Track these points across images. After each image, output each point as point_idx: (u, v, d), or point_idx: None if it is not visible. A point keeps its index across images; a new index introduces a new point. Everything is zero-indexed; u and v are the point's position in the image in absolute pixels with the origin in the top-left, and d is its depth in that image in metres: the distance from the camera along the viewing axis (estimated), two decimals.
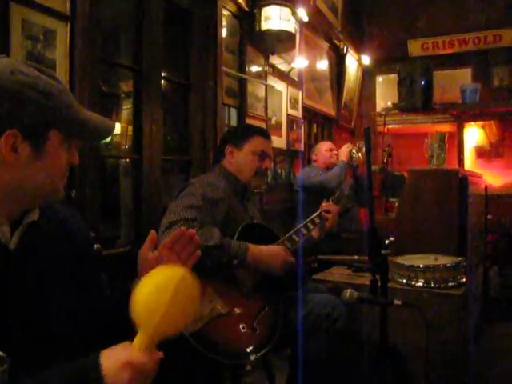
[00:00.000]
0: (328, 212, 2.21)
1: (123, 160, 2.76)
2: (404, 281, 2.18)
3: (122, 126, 2.98)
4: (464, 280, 2.17)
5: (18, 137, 0.88)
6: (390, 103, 5.75)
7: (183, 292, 0.85)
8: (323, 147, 3.92)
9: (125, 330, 0.87)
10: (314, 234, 2.22)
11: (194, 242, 1.09)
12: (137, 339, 0.84)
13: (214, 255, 1.76)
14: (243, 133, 2.22)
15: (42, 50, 1.80)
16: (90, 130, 1.01)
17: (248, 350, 1.73)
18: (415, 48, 5.75)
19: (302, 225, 2.14)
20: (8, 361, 0.47)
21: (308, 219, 2.19)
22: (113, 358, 0.83)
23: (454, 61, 5.66)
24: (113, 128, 1.07)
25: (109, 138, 2.81)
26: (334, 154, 3.88)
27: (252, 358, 1.73)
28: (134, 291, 0.86)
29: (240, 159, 2.15)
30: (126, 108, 2.93)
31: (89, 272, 1.12)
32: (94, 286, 1.14)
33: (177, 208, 1.84)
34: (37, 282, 0.96)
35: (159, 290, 0.84)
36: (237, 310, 1.80)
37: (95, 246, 1.96)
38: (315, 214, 2.21)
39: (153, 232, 1.11)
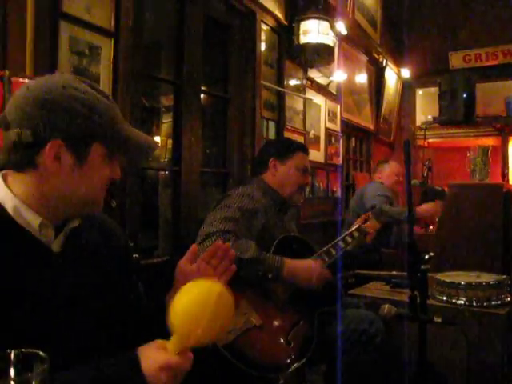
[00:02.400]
0: (367, 225, 2.18)
1: (163, 172, 2.81)
2: (444, 298, 2.11)
3: (161, 139, 3.05)
4: (509, 299, 2.09)
5: (62, 146, 0.92)
6: (430, 117, 5.65)
7: (222, 305, 0.88)
8: (392, 170, 3.84)
9: (156, 334, 0.92)
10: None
11: (230, 256, 1.10)
12: (173, 343, 0.87)
13: (250, 268, 1.76)
14: (288, 147, 2.23)
15: (87, 65, 1.87)
16: (132, 147, 1.04)
17: (281, 363, 1.72)
18: (457, 60, 5.65)
19: (340, 238, 2.12)
20: (48, 361, 0.49)
21: (347, 233, 2.16)
22: (151, 360, 0.88)
23: (498, 72, 5.52)
24: (155, 147, 1.11)
25: None
26: (399, 181, 3.82)
27: (285, 371, 1.71)
28: (173, 301, 0.89)
29: (283, 173, 2.16)
30: (166, 121, 3.00)
31: (126, 280, 1.15)
32: (131, 293, 1.16)
33: (214, 220, 1.85)
34: (76, 285, 0.99)
35: (201, 302, 0.87)
36: (271, 323, 1.79)
37: (134, 255, 2.00)
38: (354, 228, 2.18)
39: (194, 245, 1.13)
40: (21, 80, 1.47)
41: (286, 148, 2.23)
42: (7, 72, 1.49)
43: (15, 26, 1.58)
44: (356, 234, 2.16)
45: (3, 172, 0.97)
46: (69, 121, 0.92)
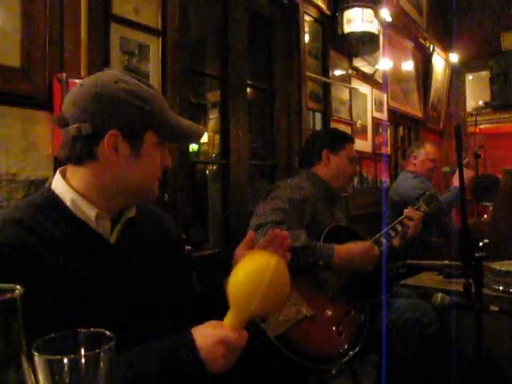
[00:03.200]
0: (410, 219, 2.13)
1: (211, 167, 2.87)
2: (500, 288, 2.05)
3: (209, 135, 3.10)
4: None
5: (118, 136, 0.98)
6: (481, 102, 5.45)
7: (278, 277, 0.88)
8: (427, 156, 3.50)
9: (209, 316, 0.95)
10: (395, 242, 2.15)
11: (285, 245, 1.11)
12: (229, 319, 0.89)
13: (301, 256, 1.77)
14: (340, 138, 2.22)
15: (137, 64, 1.94)
16: (182, 132, 1.09)
17: (333, 353, 1.72)
18: (509, 41, 5.39)
19: (390, 226, 2.10)
20: (114, 340, 0.52)
21: (396, 221, 2.13)
22: (207, 336, 0.89)
23: None
24: (202, 131, 1.15)
25: (197, 146, 2.94)
26: (435, 167, 3.55)
27: (337, 362, 1.72)
28: (231, 273, 0.90)
29: (337, 164, 2.16)
30: (213, 117, 3.05)
31: (180, 269, 1.19)
32: (184, 282, 1.20)
33: (264, 211, 1.88)
34: (133, 273, 1.04)
35: (258, 273, 0.87)
36: (322, 314, 1.80)
37: (186, 247, 2.06)
38: (397, 221, 2.14)
39: (252, 232, 1.15)
40: (77, 81, 1.54)
41: (338, 139, 2.22)
42: (64, 74, 1.58)
43: (70, 31, 1.65)
44: (406, 222, 2.13)
45: (61, 168, 1.04)
46: (123, 112, 0.97)
